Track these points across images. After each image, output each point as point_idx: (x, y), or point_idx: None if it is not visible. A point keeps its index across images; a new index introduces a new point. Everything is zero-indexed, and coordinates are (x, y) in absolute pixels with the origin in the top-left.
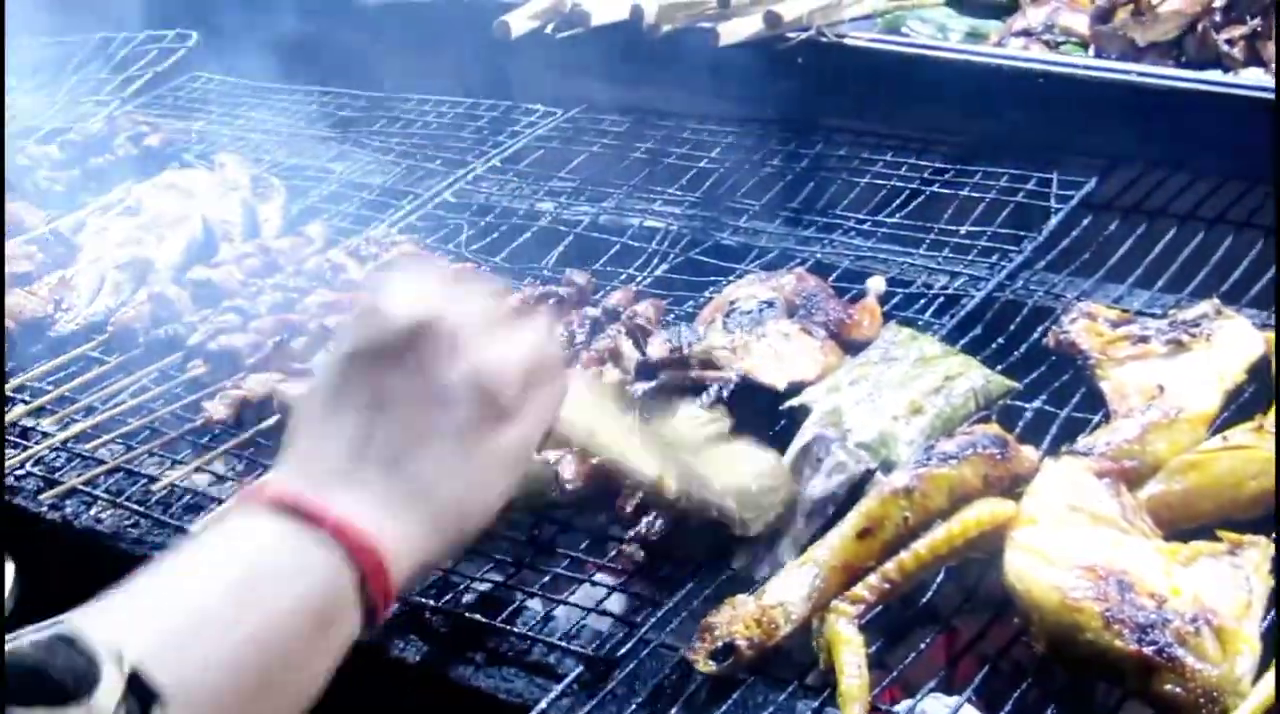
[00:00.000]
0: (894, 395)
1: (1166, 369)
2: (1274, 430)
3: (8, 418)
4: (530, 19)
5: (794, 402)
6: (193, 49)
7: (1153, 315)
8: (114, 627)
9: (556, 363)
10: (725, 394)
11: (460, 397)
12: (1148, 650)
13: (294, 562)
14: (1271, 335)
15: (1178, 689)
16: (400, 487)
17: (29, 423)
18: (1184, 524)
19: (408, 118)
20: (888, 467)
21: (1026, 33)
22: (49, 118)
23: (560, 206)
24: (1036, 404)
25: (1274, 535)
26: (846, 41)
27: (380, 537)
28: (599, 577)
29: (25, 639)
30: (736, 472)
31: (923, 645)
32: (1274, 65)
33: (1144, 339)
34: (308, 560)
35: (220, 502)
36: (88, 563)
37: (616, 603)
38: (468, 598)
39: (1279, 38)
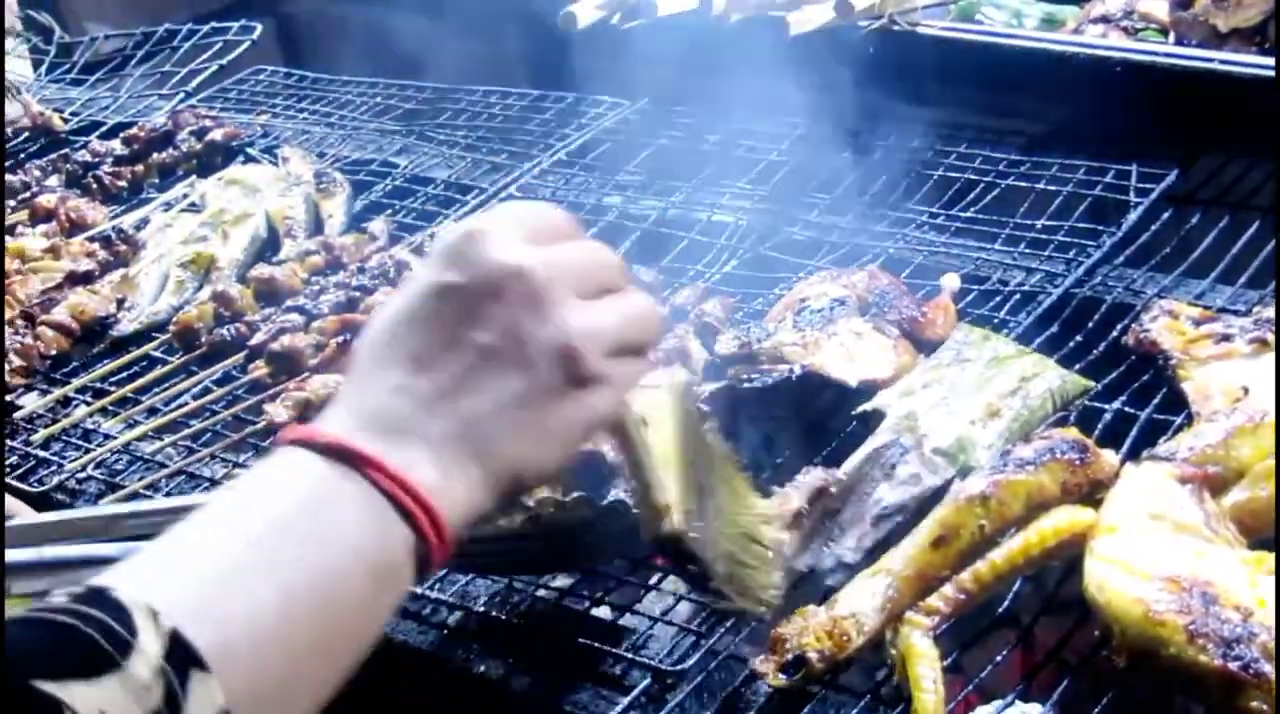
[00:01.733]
0: (970, 398)
1: (1251, 369)
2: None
3: (70, 420)
4: (596, 9)
5: (867, 406)
6: (257, 41)
7: (1236, 312)
8: (148, 584)
9: (650, 338)
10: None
11: (540, 357)
12: (1233, 666)
13: (347, 508)
14: None
15: (1264, 706)
16: (462, 444)
17: (91, 425)
18: (1269, 532)
19: (473, 110)
20: (965, 472)
21: (1105, 19)
22: (113, 112)
23: (627, 200)
24: (1116, 405)
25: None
26: (919, 30)
27: (436, 492)
28: (665, 584)
29: (57, 599)
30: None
31: (999, 657)
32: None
33: (1227, 338)
34: (361, 508)
35: None
36: None
37: (684, 612)
38: (533, 606)
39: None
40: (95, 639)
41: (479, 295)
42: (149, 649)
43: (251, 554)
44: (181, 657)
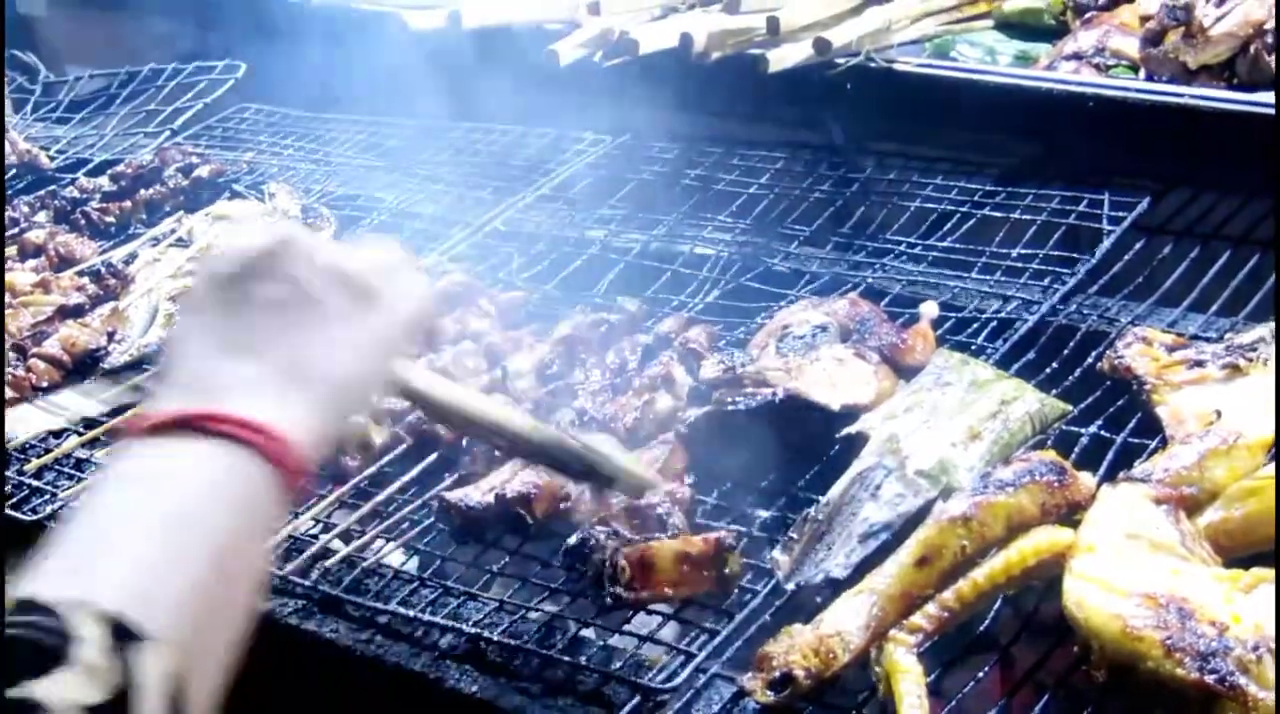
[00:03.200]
0: (951, 421)
1: (1224, 394)
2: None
3: (62, 449)
4: (579, 47)
5: (851, 429)
6: (241, 80)
7: (1208, 339)
8: (73, 586)
9: (409, 266)
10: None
11: (326, 289)
12: (1209, 679)
13: (211, 472)
14: None
15: None
16: (282, 379)
17: (83, 455)
18: (1243, 551)
19: (457, 146)
20: (948, 493)
21: (1077, 56)
22: (99, 149)
23: (610, 234)
24: (1092, 429)
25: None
26: (896, 67)
27: (276, 422)
28: (653, 605)
29: None
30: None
31: (981, 674)
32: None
33: (1200, 363)
34: (222, 466)
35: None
36: None
37: (671, 631)
38: (523, 627)
39: (1278, 54)
40: (36, 641)
41: (258, 266)
42: (90, 636)
43: (157, 538)
44: (125, 635)
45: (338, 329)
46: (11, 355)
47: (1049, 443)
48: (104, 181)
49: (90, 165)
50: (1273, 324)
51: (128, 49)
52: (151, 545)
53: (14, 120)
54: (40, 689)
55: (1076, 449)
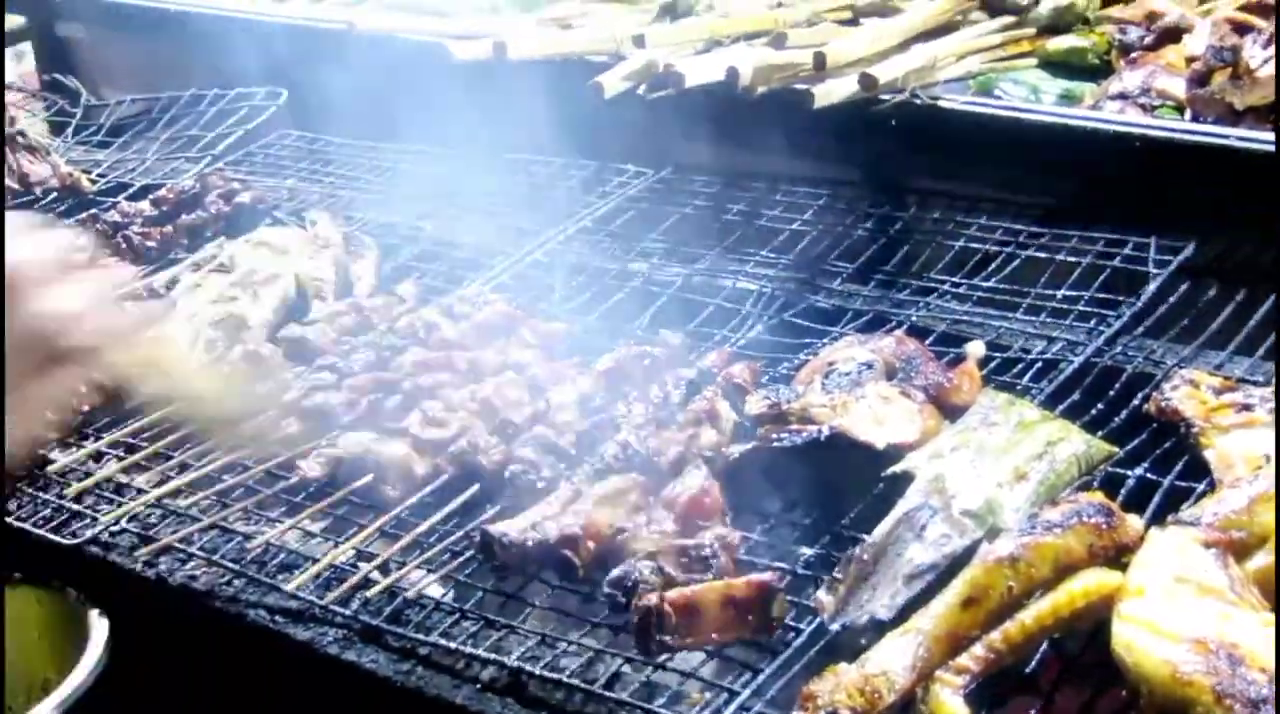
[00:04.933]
0: (997, 461)
1: (1272, 438)
2: None
3: (101, 474)
4: (624, 79)
5: (897, 468)
6: (282, 106)
7: (1255, 383)
8: None
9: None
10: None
11: (18, 344)
12: None
13: None
14: None
15: None
16: None
17: (124, 479)
18: None
19: (499, 176)
20: (994, 534)
21: (1123, 96)
22: (140, 174)
23: (653, 267)
24: (1139, 471)
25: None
26: (941, 104)
27: None
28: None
29: None
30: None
31: None
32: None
33: (1248, 407)
34: None
35: (314, 560)
36: (182, 620)
37: (713, 668)
38: (565, 662)
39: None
40: None
41: None
42: None
43: None
44: None
45: (21, 390)
46: None
47: (1095, 485)
48: (145, 206)
49: (131, 190)
50: None
51: (168, 74)
52: None
53: (55, 143)
54: None
55: (1123, 491)
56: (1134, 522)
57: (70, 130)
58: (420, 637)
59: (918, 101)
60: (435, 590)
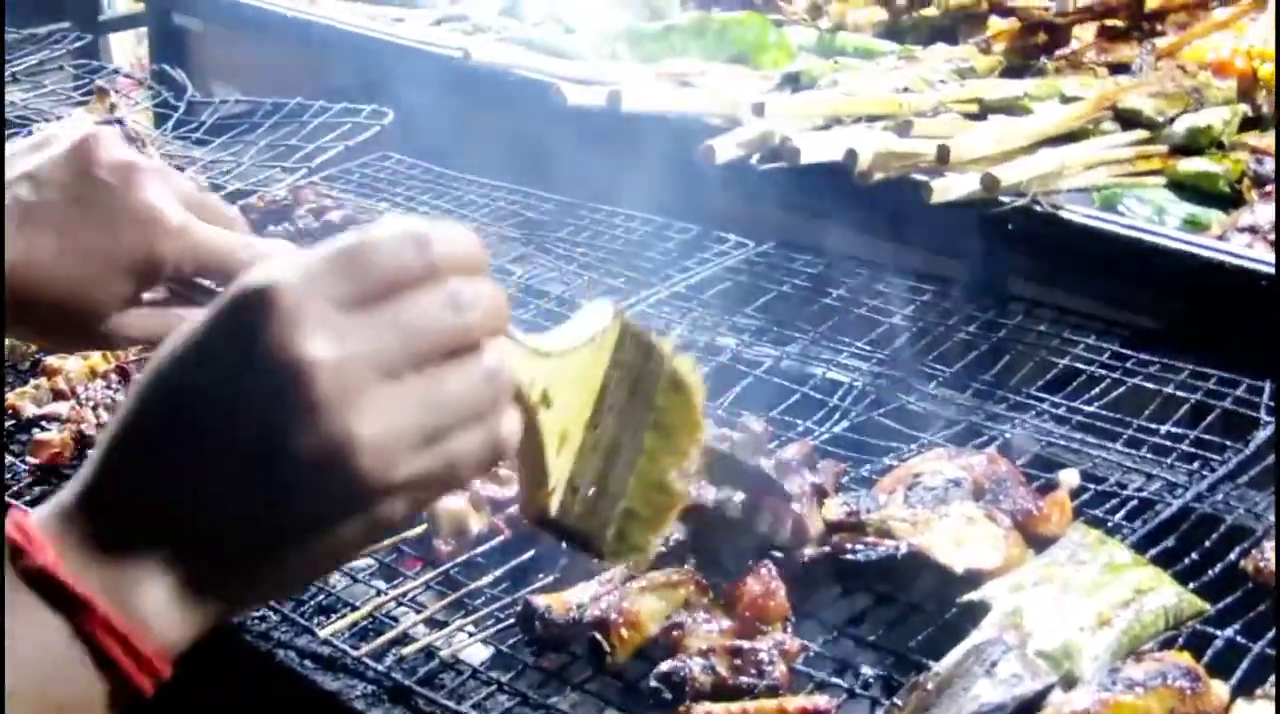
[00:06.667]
0: (1081, 603)
1: None
2: None
3: None
4: (738, 147)
5: (974, 595)
6: (387, 127)
7: None
8: None
9: (486, 406)
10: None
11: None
12: None
13: (41, 646)
14: None
15: None
16: (212, 588)
17: None
18: None
19: (596, 228)
20: (1069, 681)
21: (1252, 229)
22: (234, 178)
23: (742, 344)
24: (1227, 633)
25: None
26: (1061, 213)
27: (160, 633)
28: None
29: None
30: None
31: None
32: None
33: None
34: (58, 649)
35: (354, 606)
36: (208, 651)
37: None
38: None
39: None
40: None
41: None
42: None
43: None
44: None
45: (322, 541)
46: (114, 377)
47: (1180, 641)
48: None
49: (223, 193)
50: None
51: (277, 79)
52: None
53: (154, 134)
54: None
55: (1209, 652)
56: (1219, 689)
57: (171, 124)
58: (451, 704)
59: (1038, 208)
60: (475, 654)
